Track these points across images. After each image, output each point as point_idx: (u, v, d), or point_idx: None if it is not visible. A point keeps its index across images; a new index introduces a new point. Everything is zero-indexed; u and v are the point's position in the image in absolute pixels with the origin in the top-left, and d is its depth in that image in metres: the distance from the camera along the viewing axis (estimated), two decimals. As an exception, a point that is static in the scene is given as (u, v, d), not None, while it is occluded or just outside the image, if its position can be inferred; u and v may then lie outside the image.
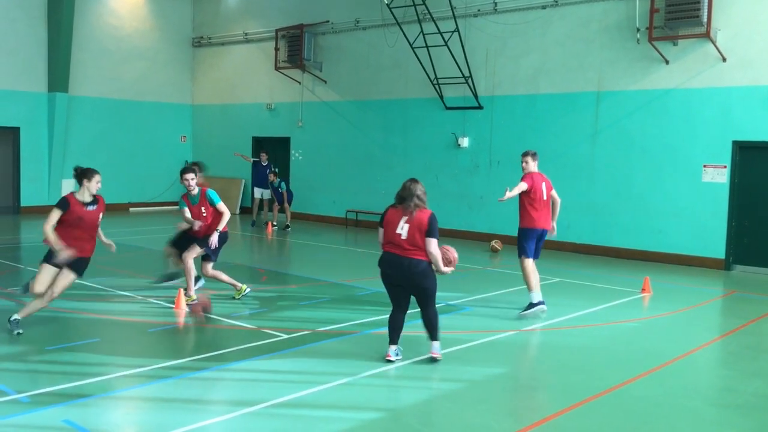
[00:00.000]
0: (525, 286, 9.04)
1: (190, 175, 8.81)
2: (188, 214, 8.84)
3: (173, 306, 8.59)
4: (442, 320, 8.56)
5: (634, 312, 9.40)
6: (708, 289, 11.14)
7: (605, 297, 10.13)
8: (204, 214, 8.80)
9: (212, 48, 22.10)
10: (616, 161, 14.11)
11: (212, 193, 8.82)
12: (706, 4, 12.51)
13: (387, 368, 6.47)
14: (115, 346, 7.17)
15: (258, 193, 18.11)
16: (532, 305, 8.78)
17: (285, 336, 7.46)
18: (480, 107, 16.01)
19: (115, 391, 5.77)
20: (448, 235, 16.39)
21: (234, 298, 9.15)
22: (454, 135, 16.48)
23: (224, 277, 9.10)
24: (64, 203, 7.05)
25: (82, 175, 7.14)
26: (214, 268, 8.98)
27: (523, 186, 8.81)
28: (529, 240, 8.92)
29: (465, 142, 16.28)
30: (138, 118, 21.38)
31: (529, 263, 8.90)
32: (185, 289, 8.80)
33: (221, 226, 8.72)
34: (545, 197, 8.98)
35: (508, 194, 8.67)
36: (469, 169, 16.40)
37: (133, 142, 21.28)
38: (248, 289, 9.32)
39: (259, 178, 18.01)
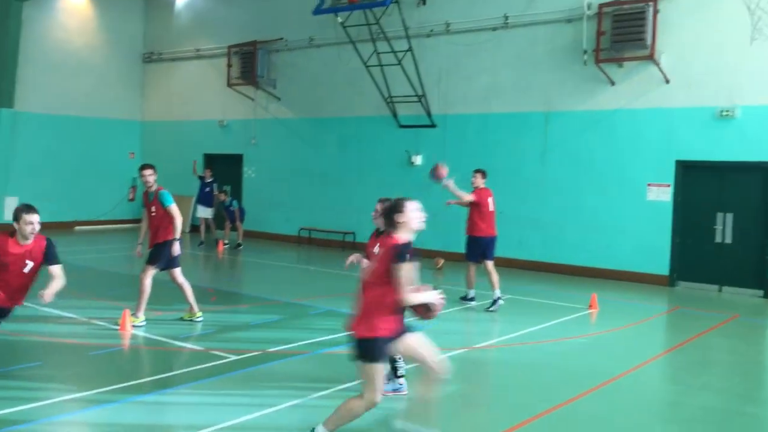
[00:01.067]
0: (472, 301, 10.64)
1: (148, 171, 8.69)
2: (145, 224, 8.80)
3: (118, 327, 8.38)
4: (394, 339, 8.57)
5: (582, 328, 9.54)
6: (653, 305, 11.39)
7: (554, 313, 10.26)
8: (153, 214, 8.60)
9: (163, 64, 21.83)
10: (565, 179, 14.38)
11: (166, 195, 8.63)
12: (650, 27, 12.90)
13: (337, 389, 6.42)
14: (58, 370, 6.94)
15: (200, 211, 17.82)
16: (469, 298, 10.65)
17: (234, 357, 7.34)
18: (433, 126, 16.16)
19: (57, 416, 5.58)
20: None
21: (182, 318, 8.96)
22: (407, 153, 16.57)
23: (189, 291, 8.88)
24: None
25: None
26: (149, 275, 8.67)
27: (470, 197, 10.48)
28: (476, 247, 10.51)
29: (418, 160, 16.38)
30: (86, 134, 20.92)
31: (473, 267, 10.58)
32: (133, 310, 8.59)
33: (178, 233, 8.55)
34: (491, 209, 10.70)
35: (452, 188, 10.61)
36: (423, 187, 16.46)
37: (80, 158, 20.81)
38: (201, 318, 9.03)
39: (201, 196, 17.76)
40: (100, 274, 12.83)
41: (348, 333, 4.92)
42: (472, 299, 10.76)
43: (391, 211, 4.96)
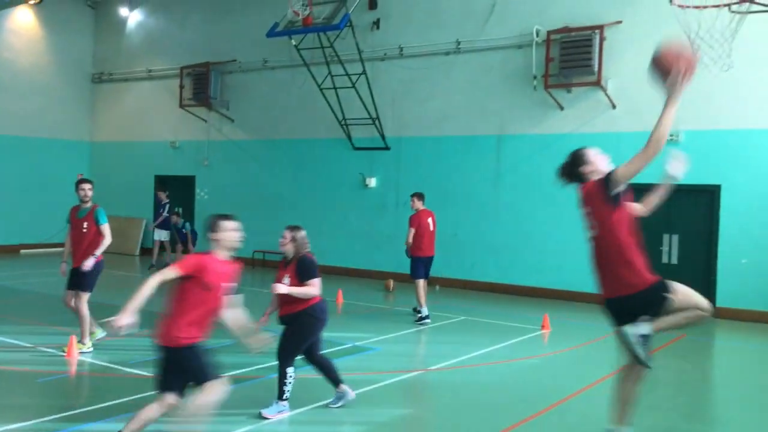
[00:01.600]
0: (427, 319, 10.95)
1: (89, 185, 8.53)
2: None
3: (65, 354, 8.14)
4: (350, 361, 8.53)
5: (535, 349, 9.65)
6: (603, 325, 11.51)
7: (507, 334, 10.36)
8: (85, 231, 8.39)
9: (114, 84, 21.52)
10: (517, 202, 14.61)
11: (102, 212, 8.50)
12: (597, 54, 13.28)
13: (291, 414, 6.34)
14: (1, 398, 6.70)
15: (156, 234, 17.50)
16: (422, 318, 10.97)
17: (186, 382, 7.19)
18: (387, 148, 16.26)
19: (-3, 447, 5.39)
20: (354, 274, 16.41)
21: (79, 342, 8.41)
22: (362, 175, 16.63)
23: (86, 320, 8.39)
24: None
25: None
26: (85, 301, 8.39)
27: (412, 231, 11.12)
28: (421, 265, 11.14)
29: (372, 182, 16.45)
30: (32, 155, 20.41)
31: (422, 283, 11.08)
32: (79, 337, 8.37)
33: (99, 251, 8.36)
34: (431, 229, 11.27)
35: (409, 240, 11.15)
36: (377, 209, 16.55)
37: (27, 180, 20.27)
38: (90, 350, 8.43)
39: (157, 217, 17.45)
40: (46, 299, 12.46)
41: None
42: (426, 317, 11.01)
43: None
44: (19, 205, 19.93)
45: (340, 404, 6.47)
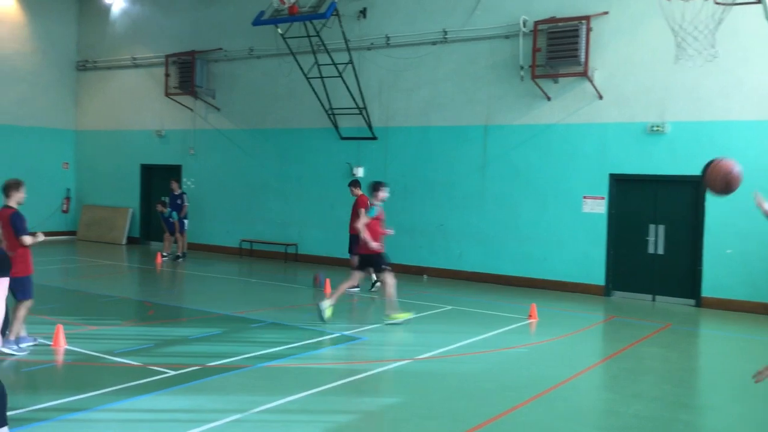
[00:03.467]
0: (400, 315, 10.44)
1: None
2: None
3: (51, 343, 8.09)
4: (338, 351, 8.55)
5: (522, 338, 9.71)
6: (590, 314, 11.68)
7: (495, 324, 10.41)
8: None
9: (98, 72, 21.30)
10: (504, 192, 14.64)
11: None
12: (583, 45, 13.30)
13: (279, 403, 6.35)
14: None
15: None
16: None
17: (172, 372, 7.18)
18: (374, 138, 16.23)
19: (-17, 438, 5.34)
20: (342, 264, 16.40)
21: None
22: (349, 165, 16.59)
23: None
24: None
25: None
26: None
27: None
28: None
29: (360, 171, 16.42)
30: (16, 143, 20.20)
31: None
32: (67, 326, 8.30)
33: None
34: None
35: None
36: (364, 199, 16.52)
37: (11, 168, 19.90)
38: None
39: (173, 208, 17.35)
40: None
41: None
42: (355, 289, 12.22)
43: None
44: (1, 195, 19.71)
45: None
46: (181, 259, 16.67)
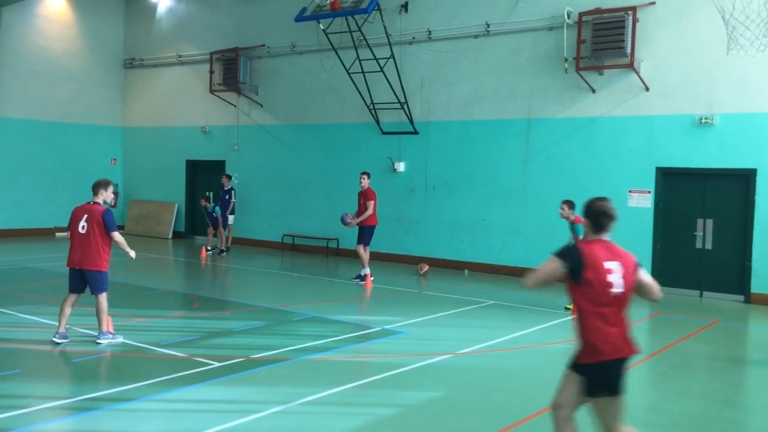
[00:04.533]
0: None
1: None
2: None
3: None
4: (378, 345, 8.58)
5: (565, 334, 9.59)
6: (635, 310, 11.42)
7: (537, 320, 10.31)
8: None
9: (145, 70, 21.72)
10: (547, 186, 14.47)
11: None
12: (629, 36, 13.05)
13: (321, 395, 6.41)
14: (38, 377, 6.87)
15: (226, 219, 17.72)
16: (360, 277, 13.13)
17: (217, 364, 7.31)
18: (416, 132, 16.21)
19: (37, 424, 5.52)
20: (383, 259, 16.44)
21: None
22: (390, 159, 16.61)
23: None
24: None
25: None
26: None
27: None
28: (371, 234, 13.30)
29: (401, 166, 16.43)
30: (66, 140, 20.76)
31: (364, 248, 13.16)
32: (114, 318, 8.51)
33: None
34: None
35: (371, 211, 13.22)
36: (405, 194, 16.53)
37: (61, 165, 20.62)
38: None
39: (222, 204, 17.63)
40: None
41: None
42: (362, 277, 13.15)
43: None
44: (53, 190, 20.30)
45: None
46: (224, 254, 16.92)
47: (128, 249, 8.10)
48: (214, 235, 17.42)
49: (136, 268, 14.53)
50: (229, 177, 17.87)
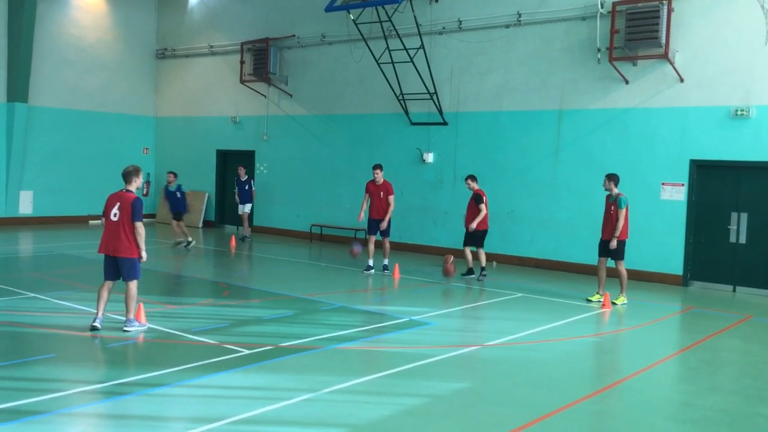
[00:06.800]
0: (485, 301, 9.63)
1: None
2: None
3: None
4: (406, 335, 8.59)
5: (594, 327, 9.52)
6: (666, 304, 11.35)
7: (566, 312, 10.24)
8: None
9: (176, 60, 21.93)
10: (577, 178, 14.33)
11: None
12: (664, 26, 12.83)
13: (350, 384, 6.44)
14: (72, 362, 7.00)
15: (239, 209, 17.93)
16: (369, 267, 13.27)
17: (246, 351, 7.38)
18: (445, 123, 16.14)
19: (71, 407, 5.64)
20: (411, 250, 16.44)
21: None
22: (419, 150, 16.57)
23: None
24: None
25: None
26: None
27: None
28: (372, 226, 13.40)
29: (430, 157, 16.38)
30: (99, 129, 21.07)
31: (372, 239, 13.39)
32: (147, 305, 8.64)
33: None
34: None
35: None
36: (434, 185, 16.50)
37: (94, 153, 20.94)
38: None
39: (241, 194, 17.81)
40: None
41: None
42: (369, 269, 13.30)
43: None
44: (87, 178, 20.62)
45: None
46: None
47: (143, 246, 8.09)
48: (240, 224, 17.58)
49: (167, 256, 14.73)
50: (245, 167, 17.99)
